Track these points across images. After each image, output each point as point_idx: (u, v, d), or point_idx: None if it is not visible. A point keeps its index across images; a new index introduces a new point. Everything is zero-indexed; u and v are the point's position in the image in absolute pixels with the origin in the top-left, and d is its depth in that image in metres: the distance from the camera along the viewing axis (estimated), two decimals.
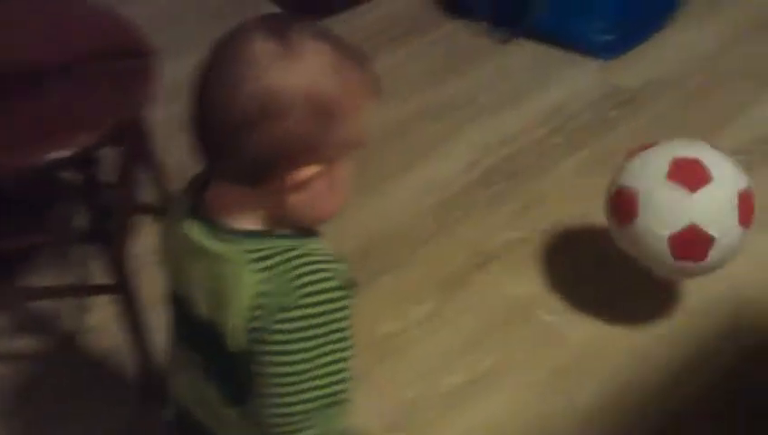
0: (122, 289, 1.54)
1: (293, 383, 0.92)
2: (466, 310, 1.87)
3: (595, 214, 2.05)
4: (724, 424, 1.69)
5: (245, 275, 0.91)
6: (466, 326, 1.84)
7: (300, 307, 0.91)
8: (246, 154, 0.88)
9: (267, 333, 0.91)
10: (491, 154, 2.21)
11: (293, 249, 0.93)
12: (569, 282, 1.93)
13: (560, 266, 1.96)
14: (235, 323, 0.92)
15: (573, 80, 2.41)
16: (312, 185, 0.92)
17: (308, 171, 0.90)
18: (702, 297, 1.89)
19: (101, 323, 1.79)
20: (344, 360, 0.94)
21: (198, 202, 0.98)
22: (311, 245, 0.95)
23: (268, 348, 0.92)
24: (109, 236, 1.52)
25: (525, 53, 2.49)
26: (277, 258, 0.92)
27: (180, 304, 1.02)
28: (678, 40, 2.52)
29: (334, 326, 0.92)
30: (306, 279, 0.91)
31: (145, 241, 1.79)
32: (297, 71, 0.87)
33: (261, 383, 0.94)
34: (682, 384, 1.74)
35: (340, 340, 0.93)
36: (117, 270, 1.53)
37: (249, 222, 0.94)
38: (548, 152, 2.22)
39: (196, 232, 0.95)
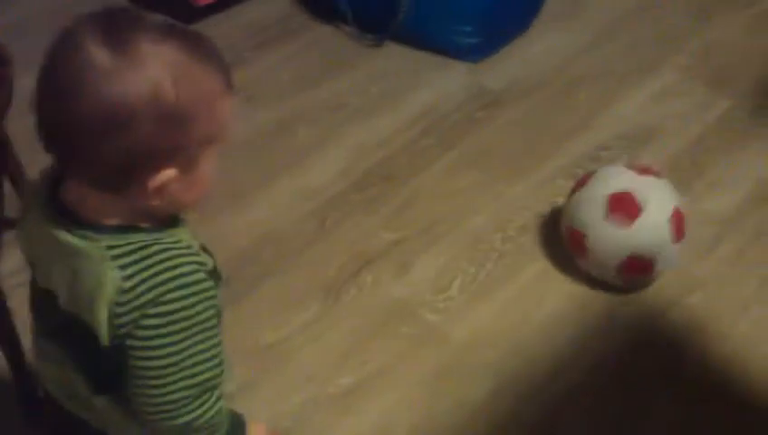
0: None
1: (164, 375, 0.93)
2: (350, 313, 1.88)
3: (467, 212, 2.11)
4: (599, 416, 1.76)
5: (108, 271, 0.90)
6: (351, 329, 1.85)
7: (164, 303, 0.91)
8: (99, 164, 0.86)
9: (134, 328, 0.91)
10: (366, 157, 2.22)
11: (155, 244, 0.92)
12: (449, 280, 1.96)
13: (439, 265, 1.99)
14: (100, 319, 0.91)
15: (442, 82, 2.46)
16: (173, 185, 0.90)
17: (168, 173, 0.89)
18: (580, 291, 1.96)
19: None
20: (213, 347, 0.95)
21: (55, 195, 0.95)
22: (172, 238, 0.94)
23: (136, 343, 0.92)
24: None
25: (395, 57, 2.52)
26: (138, 254, 0.91)
27: (43, 297, 0.99)
28: (542, 42, 2.60)
29: (200, 317, 0.93)
30: (168, 274, 0.91)
31: (12, 258, 1.72)
32: (137, 80, 0.84)
33: (133, 374, 0.94)
34: (561, 376, 1.81)
35: (206, 329, 0.94)
36: None
37: (109, 218, 0.92)
38: (420, 153, 2.25)
39: (55, 227, 0.92)
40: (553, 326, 1.90)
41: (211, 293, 0.93)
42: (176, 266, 0.91)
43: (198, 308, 0.92)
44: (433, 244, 2.03)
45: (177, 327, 0.92)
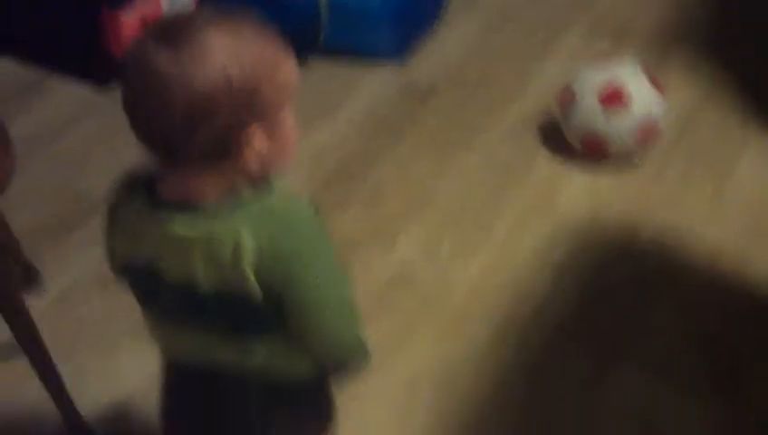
0: (30, 344, 1.51)
1: (337, 309, 1.05)
2: None
3: (433, 191, 2.23)
4: (595, 340, 1.88)
5: (243, 241, 0.98)
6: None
7: (301, 251, 1.00)
8: (198, 152, 0.96)
9: (288, 282, 1.00)
10: (324, 163, 2.31)
11: (269, 204, 1.01)
12: (434, 248, 2.07)
13: (421, 238, 2.10)
14: (252, 285, 1.00)
15: (374, 85, 2.58)
16: (264, 147, 0.99)
17: (258, 138, 0.98)
18: (551, 234, 2.10)
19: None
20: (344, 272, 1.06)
21: (154, 195, 1.03)
22: (278, 195, 1.03)
23: (299, 294, 1.02)
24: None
25: (322, 71, 2.62)
26: (261, 216, 1.00)
27: (170, 293, 1.06)
28: (455, 30, 2.76)
29: (330, 248, 1.03)
30: (294, 225, 1.01)
31: None
32: (205, 70, 0.92)
33: (306, 326, 1.05)
34: (553, 309, 1.93)
35: (335, 257, 1.04)
36: (20, 325, 1.49)
37: (218, 193, 1.00)
38: (374, 151, 2.36)
39: (178, 224, 1.00)
40: (536, 266, 2.02)
41: (324, 224, 1.03)
42: (295, 216, 1.02)
43: (326, 241, 1.02)
44: (410, 222, 2.14)
45: (319, 264, 1.02)
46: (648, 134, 2.18)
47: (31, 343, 1.52)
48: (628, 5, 2.85)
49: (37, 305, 1.73)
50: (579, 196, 2.21)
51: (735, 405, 1.73)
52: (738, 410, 1.72)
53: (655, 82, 2.20)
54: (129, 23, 2.43)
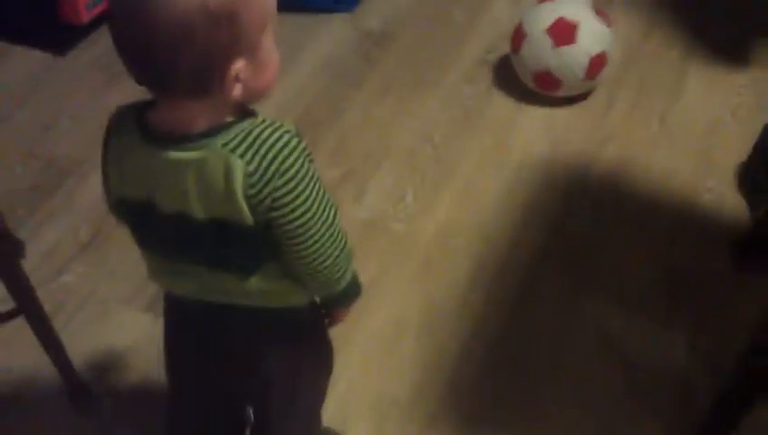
0: (29, 308, 1.57)
1: (319, 230, 1.09)
2: None
3: (395, 134, 2.31)
4: (566, 271, 2.00)
5: (232, 164, 1.04)
6: None
7: (286, 170, 1.05)
8: (183, 74, 0.99)
9: (273, 202, 1.06)
10: (287, 113, 2.37)
11: (254, 128, 1.05)
12: (401, 192, 2.15)
13: (389, 183, 2.18)
14: (241, 205, 1.05)
15: (329, 35, 2.63)
16: (247, 73, 1.03)
17: (239, 63, 1.02)
18: (513, 171, 2.20)
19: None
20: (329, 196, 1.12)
21: (145, 126, 1.07)
22: (261, 119, 1.08)
23: (283, 214, 1.07)
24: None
25: (281, 23, 2.67)
26: (248, 141, 1.05)
27: (166, 226, 1.11)
28: None
29: (312, 172, 1.08)
30: (278, 147, 1.05)
31: None
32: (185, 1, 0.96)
33: (296, 248, 1.10)
34: (524, 244, 2.04)
35: (319, 180, 1.09)
36: (18, 290, 1.55)
37: (207, 122, 1.05)
38: (336, 97, 2.42)
39: (171, 151, 1.05)
40: (502, 204, 2.12)
41: (308, 150, 1.08)
42: (279, 139, 1.05)
43: (308, 165, 1.07)
44: (376, 168, 2.22)
45: (304, 184, 1.06)
46: (597, 67, 2.28)
47: (28, 304, 1.57)
48: None
49: None
50: (535, 131, 2.31)
51: (691, 333, 1.85)
52: (694, 337, 1.84)
53: (602, 15, 2.29)
54: None
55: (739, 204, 2.09)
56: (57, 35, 2.51)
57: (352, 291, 1.23)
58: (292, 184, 1.06)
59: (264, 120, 1.07)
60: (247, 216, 1.06)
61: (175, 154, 1.05)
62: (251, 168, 1.04)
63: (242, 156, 1.04)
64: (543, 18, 2.28)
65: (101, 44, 2.59)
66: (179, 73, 1.00)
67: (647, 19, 2.60)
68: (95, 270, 1.98)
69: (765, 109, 2.31)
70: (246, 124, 1.06)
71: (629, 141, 2.27)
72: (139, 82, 1.03)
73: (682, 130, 2.29)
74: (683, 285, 1.93)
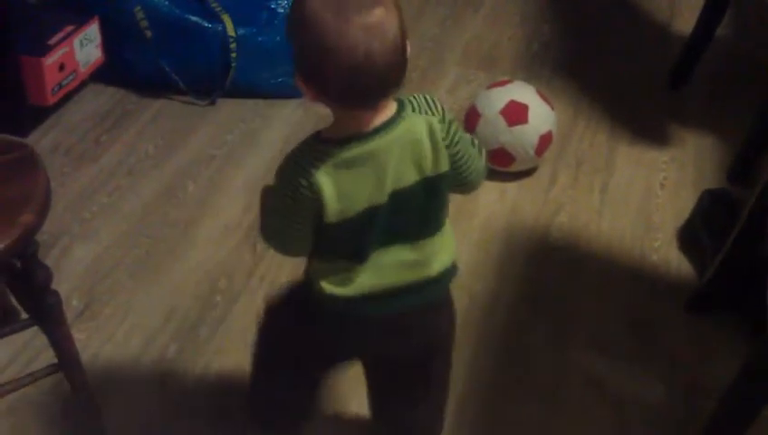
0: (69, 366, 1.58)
1: (470, 141, 1.48)
2: None
3: None
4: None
5: (430, 122, 1.36)
6: None
7: (446, 112, 1.40)
8: (398, 81, 1.30)
9: (454, 137, 1.39)
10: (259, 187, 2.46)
11: (409, 97, 1.38)
12: None
13: None
14: (444, 155, 1.37)
15: (286, 117, 2.76)
16: None
17: (408, 46, 1.33)
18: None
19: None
20: None
21: (341, 141, 1.32)
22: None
23: (460, 146, 1.41)
24: (46, 314, 1.55)
25: (234, 109, 2.78)
26: (417, 104, 1.37)
27: (383, 215, 1.37)
28: None
29: None
30: (432, 100, 1.39)
31: None
32: (392, 15, 1.25)
33: (463, 166, 1.44)
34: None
35: None
36: (63, 347, 1.56)
37: (391, 105, 1.35)
38: None
39: (379, 138, 1.32)
40: (473, 267, 2.28)
41: None
42: (428, 97, 1.39)
43: None
44: None
45: (455, 120, 1.42)
46: (545, 144, 2.51)
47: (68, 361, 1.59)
48: (489, 35, 3.21)
49: None
50: (494, 202, 2.50)
51: (667, 372, 2.06)
52: (670, 375, 2.04)
53: (545, 99, 2.54)
54: (50, 66, 2.48)
55: (684, 261, 2.33)
56: (19, 117, 2.53)
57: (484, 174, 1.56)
58: (454, 124, 1.40)
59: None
60: (446, 162, 1.37)
61: (389, 136, 1.32)
62: (436, 122, 1.36)
63: (428, 116, 1.36)
64: (496, 101, 2.50)
65: (62, 125, 2.64)
66: (399, 73, 1.29)
67: (574, 105, 2.88)
68: (95, 335, 2.00)
69: (688, 181, 2.59)
70: (405, 98, 1.37)
71: (577, 210, 2.49)
72: (374, 102, 1.31)
73: (621, 199, 2.54)
74: (649, 331, 2.14)
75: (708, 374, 2.02)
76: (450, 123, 1.38)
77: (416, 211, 1.40)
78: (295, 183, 1.32)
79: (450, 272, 1.51)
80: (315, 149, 1.33)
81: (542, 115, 2.51)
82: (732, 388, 1.72)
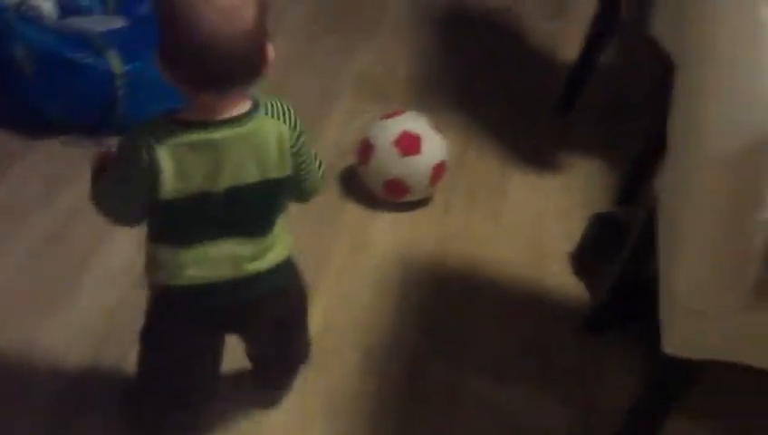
0: None
1: (311, 154, 1.58)
2: None
3: None
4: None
5: (280, 128, 1.44)
6: None
7: (299, 123, 1.50)
8: (251, 71, 1.36)
9: (299, 147, 1.50)
10: None
11: (269, 100, 1.46)
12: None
13: None
14: (288, 161, 1.47)
15: None
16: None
17: (270, 49, 1.40)
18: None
19: None
20: None
21: (193, 125, 1.39)
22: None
23: (302, 155, 1.52)
24: None
25: None
26: (278, 109, 1.46)
27: (218, 205, 1.44)
28: None
29: None
30: (290, 109, 1.48)
31: None
32: (249, 5, 1.32)
33: (303, 173, 1.55)
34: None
35: None
36: None
37: (247, 103, 1.42)
38: None
39: (230, 131, 1.39)
40: (372, 302, 2.28)
41: None
42: (287, 106, 1.48)
43: None
44: None
45: (304, 131, 1.52)
46: (439, 174, 2.53)
47: None
48: (382, 67, 3.22)
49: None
50: (388, 234, 2.50)
51: (565, 394, 2.08)
52: (569, 397, 2.07)
53: (437, 128, 2.56)
54: None
55: (578, 284, 2.37)
56: None
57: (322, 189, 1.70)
58: (303, 135, 1.50)
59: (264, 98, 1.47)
60: (288, 167, 1.47)
61: (236, 131, 1.39)
62: (284, 127, 1.44)
63: (277, 120, 1.43)
64: (389, 132, 2.51)
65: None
66: (249, 65, 1.35)
67: (465, 134, 2.91)
68: None
69: (577, 207, 2.64)
70: (264, 100, 1.44)
71: (472, 238, 2.51)
72: (220, 88, 1.35)
73: (514, 225, 2.57)
74: (546, 355, 2.16)
75: (606, 394, 2.05)
76: (300, 134, 1.48)
77: (251, 209, 1.48)
78: (137, 152, 1.39)
79: (285, 265, 1.60)
80: (160, 127, 1.40)
81: (435, 145, 2.53)
82: (635, 405, 1.76)
